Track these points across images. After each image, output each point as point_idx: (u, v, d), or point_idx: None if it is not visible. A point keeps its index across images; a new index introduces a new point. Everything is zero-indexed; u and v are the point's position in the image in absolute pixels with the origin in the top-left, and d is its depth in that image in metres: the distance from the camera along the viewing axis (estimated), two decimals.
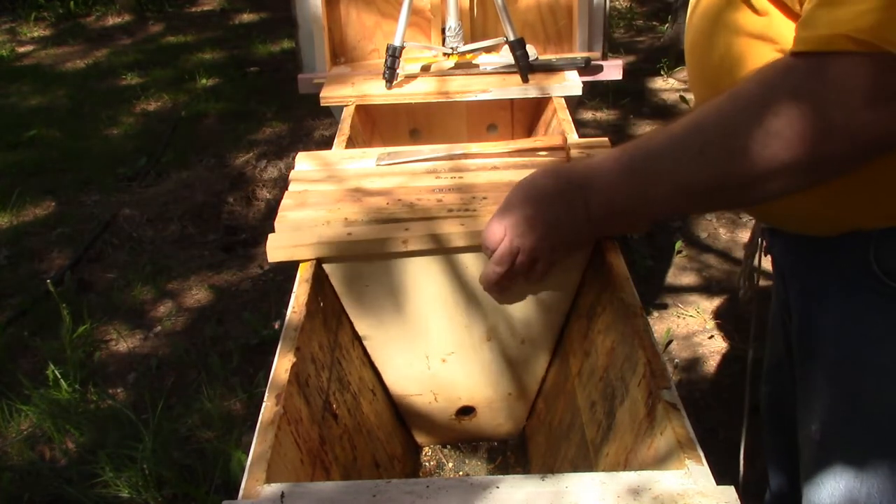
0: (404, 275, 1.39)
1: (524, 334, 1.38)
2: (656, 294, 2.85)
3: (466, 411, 1.51)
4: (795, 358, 1.12)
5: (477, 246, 1.29)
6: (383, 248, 1.32)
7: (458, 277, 1.46)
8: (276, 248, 1.31)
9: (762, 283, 1.51)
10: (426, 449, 1.65)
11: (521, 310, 1.35)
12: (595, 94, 4.49)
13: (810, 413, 1.08)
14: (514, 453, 1.55)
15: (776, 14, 0.88)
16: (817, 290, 1.03)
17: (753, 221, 1.32)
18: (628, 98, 4.51)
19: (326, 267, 1.34)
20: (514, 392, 1.46)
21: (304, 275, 1.32)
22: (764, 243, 1.27)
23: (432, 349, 1.44)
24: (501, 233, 1.04)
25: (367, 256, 1.33)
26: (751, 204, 1.03)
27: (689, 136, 0.88)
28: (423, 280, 1.40)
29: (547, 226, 1.01)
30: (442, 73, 2.11)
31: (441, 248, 1.32)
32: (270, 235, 1.33)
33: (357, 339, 1.47)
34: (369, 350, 1.48)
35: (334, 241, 1.31)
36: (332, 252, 1.31)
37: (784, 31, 0.88)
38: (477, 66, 2.13)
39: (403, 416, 1.63)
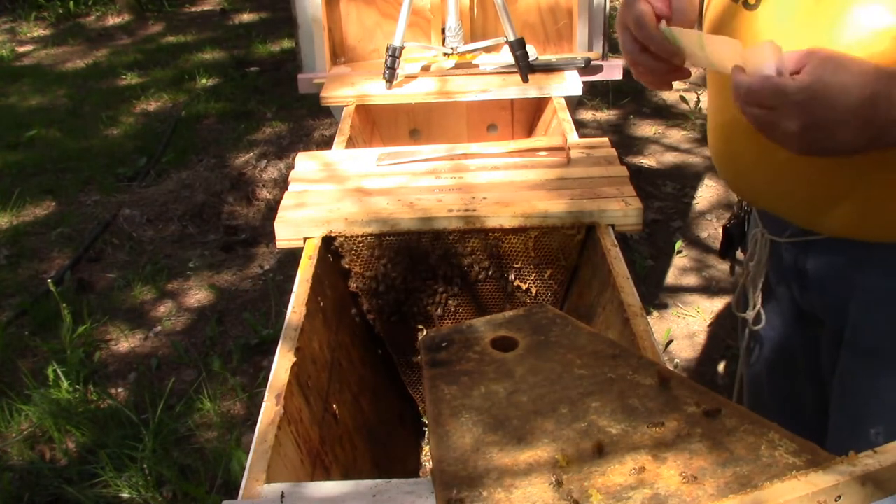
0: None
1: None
2: (656, 294, 2.85)
3: None
4: (842, 362, 1.11)
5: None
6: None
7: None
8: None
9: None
10: (426, 448, 1.65)
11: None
12: (595, 94, 4.48)
13: (869, 415, 1.07)
14: None
15: None
16: (883, 295, 1.03)
17: (755, 242, 1.22)
18: (628, 98, 4.51)
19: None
20: None
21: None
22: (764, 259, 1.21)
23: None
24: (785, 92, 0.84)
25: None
26: None
27: None
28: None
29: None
30: (442, 73, 2.11)
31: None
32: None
33: (358, 336, 1.47)
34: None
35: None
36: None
37: None
38: (477, 66, 2.13)
39: (404, 414, 1.63)
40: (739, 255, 1.34)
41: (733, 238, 1.31)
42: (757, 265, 1.21)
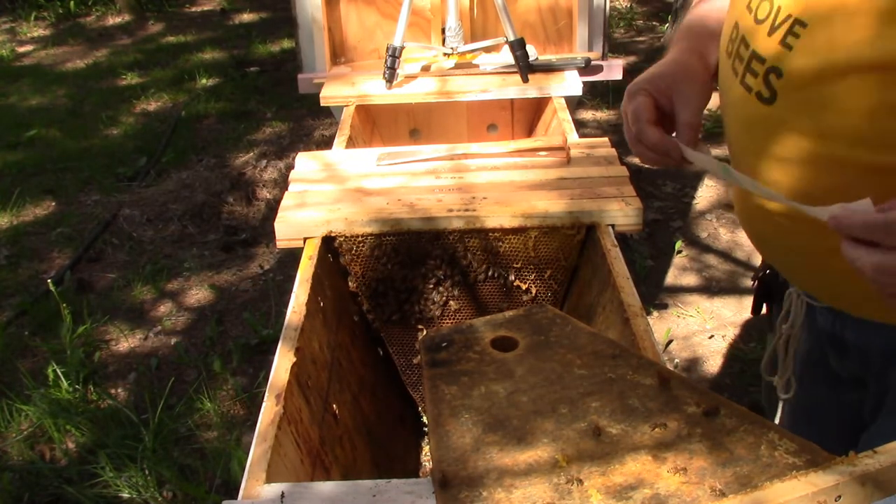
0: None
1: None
2: (656, 294, 2.85)
3: None
4: (880, 422, 1.04)
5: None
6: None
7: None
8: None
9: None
10: (426, 448, 1.65)
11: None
12: (595, 94, 4.48)
13: None
14: None
15: None
16: None
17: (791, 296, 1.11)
18: None
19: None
20: None
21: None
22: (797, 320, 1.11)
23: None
24: None
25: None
26: None
27: None
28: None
29: None
30: (442, 73, 2.11)
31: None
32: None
33: (358, 336, 1.47)
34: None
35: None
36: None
37: None
38: (477, 66, 2.13)
39: (404, 414, 1.63)
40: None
41: (770, 290, 1.21)
42: (790, 328, 1.12)
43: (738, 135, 0.98)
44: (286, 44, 5.74)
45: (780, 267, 1.06)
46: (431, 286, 1.46)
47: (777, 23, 0.85)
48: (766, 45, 0.86)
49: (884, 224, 0.71)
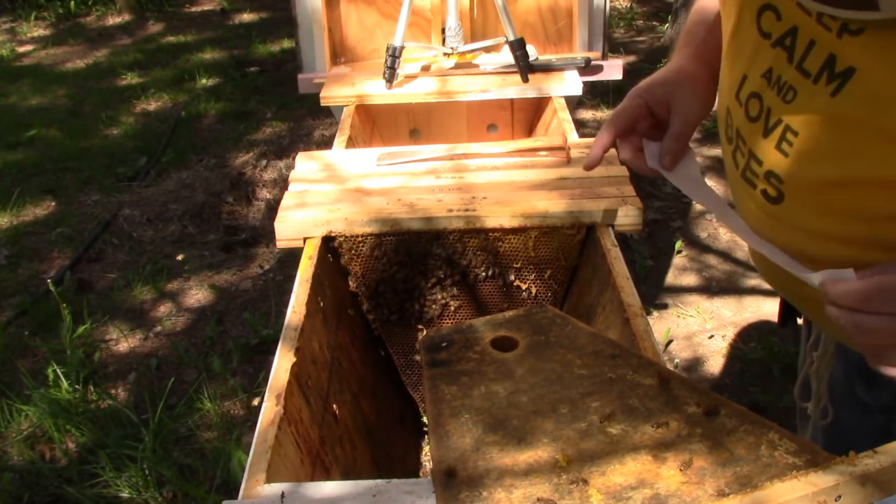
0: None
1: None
2: (656, 294, 2.85)
3: None
4: None
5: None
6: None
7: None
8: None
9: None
10: (426, 448, 1.65)
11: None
12: (595, 94, 4.48)
13: None
14: None
15: None
16: None
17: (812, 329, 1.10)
18: None
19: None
20: None
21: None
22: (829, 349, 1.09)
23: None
24: None
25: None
26: None
27: None
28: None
29: None
30: (442, 73, 2.11)
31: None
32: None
33: (358, 336, 1.47)
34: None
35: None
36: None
37: None
38: (477, 66, 2.13)
39: (404, 414, 1.63)
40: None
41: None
42: (822, 356, 1.10)
43: (740, 209, 0.95)
44: (286, 44, 5.74)
45: (795, 305, 1.04)
46: (431, 286, 1.46)
47: (770, 125, 0.82)
48: (763, 148, 0.83)
49: (862, 293, 0.73)
